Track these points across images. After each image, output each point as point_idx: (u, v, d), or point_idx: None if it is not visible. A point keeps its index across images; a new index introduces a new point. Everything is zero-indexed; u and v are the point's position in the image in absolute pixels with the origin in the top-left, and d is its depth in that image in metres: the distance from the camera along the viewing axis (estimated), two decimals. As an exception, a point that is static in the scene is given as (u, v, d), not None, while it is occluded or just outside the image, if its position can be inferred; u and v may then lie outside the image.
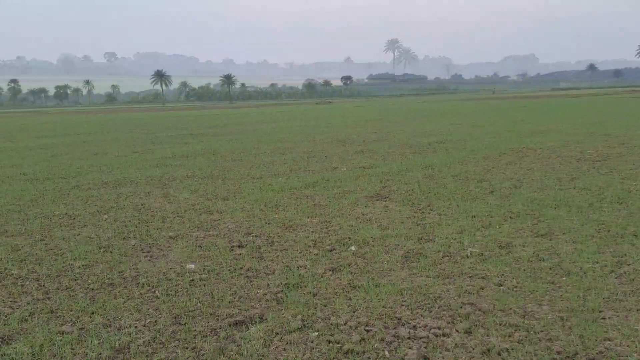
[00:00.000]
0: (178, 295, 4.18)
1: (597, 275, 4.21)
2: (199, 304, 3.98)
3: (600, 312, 3.54)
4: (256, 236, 5.83)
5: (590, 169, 9.43)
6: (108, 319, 3.76)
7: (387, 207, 7.03)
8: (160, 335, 3.49)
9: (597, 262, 4.50)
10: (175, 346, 3.34)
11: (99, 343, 3.39)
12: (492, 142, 14.56)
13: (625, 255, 4.64)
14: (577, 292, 3.88)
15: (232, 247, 5.45)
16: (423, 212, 6.63)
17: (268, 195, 8.11)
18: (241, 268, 4.75)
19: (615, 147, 12.38)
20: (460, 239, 5.37)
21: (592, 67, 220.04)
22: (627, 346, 3.05)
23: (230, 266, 4.83)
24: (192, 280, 4.52)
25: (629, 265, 4.39)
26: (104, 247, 5.55)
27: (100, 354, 3.25)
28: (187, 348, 3.31)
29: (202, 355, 3.22)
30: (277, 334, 3.45)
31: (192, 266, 4.86)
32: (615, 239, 5.15)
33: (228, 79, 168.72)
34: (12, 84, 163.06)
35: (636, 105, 34.40)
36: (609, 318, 3.43)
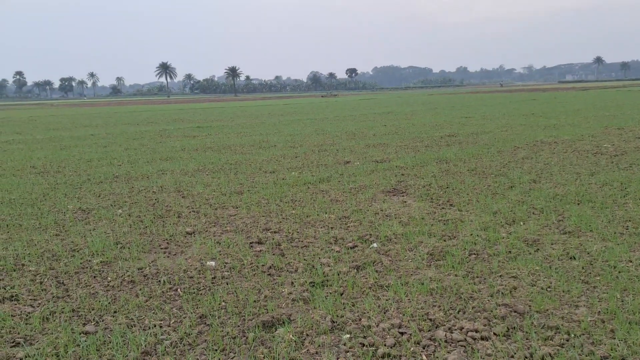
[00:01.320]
0: (201, 294, 4.08)
1: (632, 276, 4.07)
2: (223, 303, 3.87)
3: (642, 314, 3.41)
4: (275, 232, 5.72)
5: (609, 163, 9.26)
6: (131, 319, 3.66)
7: (405, 202, 6.90)
8: (187, 336, 3.39)
9: (631, 262, 4.37)
10: (203, 348, 3.23)
11: (124, 344, 3.29)
12: (505, 135, 14.37)
13: (660, 254, 4.50)
14: (614, 293, 3.75)
15: (251, 243, 5.34)
16: (443, 208, 6.50)
17: (283, 190, 7.99)
18: (263, 265, 4.64)
19: (632, 141, 12.18)
20: (486, 235, 5.24)
21: (598, 59, 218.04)
22: (678, 352, 2.92)
23: (252, 263, 4.72)
24: (214, 278, 4.41)
25: (665, 264, 4.25)
26: (121, 243, 5.45)
27: (126, 356, 3.15)
28: (216, 350, 3.20)
29: (232, 358, 3.11)
30: (307, 335, 3.34)
31: (213, 263, 4.76)
32: (646, 236, 5.01)
33: (233, 72, 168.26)
34: (18, 76, 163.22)
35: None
36: (654, 321, 3.30)
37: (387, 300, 3.81)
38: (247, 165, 10.73)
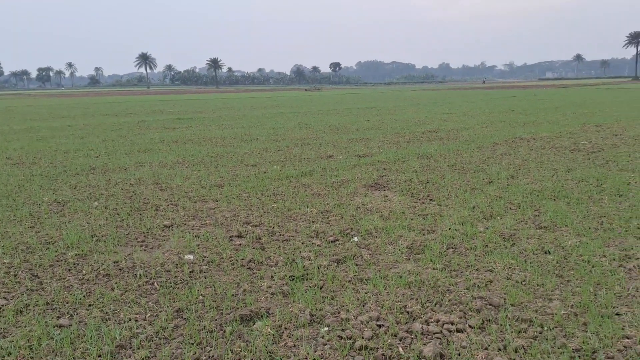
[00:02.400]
0: (178, 288, 4.05)
1: (605, 270, 4.15)
2: (201, 297, 3.84)
3: (614, 308, 3.48)
4: (255, 226, 5.70)
5: (586, 160, 9.43)
6: (106, 312, 3.61)
7: (386, 196, 6.93)
8: (163, 330, 3.36)
9: (605, 256, 4.45)
10: (180, 342, 3.21)
11: (98, 337, 3.25)
12: (485, 132, 14.52)
13: (632, 249, 4.60)
14: (588, 287, 3.82)
15: (231, 237, 5.31)
16: (423, 203, 6.55)
17: (264, 183, 7.96)
18: (242, 259, 4.62)
19: (609, 138, 12.41)
20: (464, 230, 5.30)
21: (579, 57, 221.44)
22: (647, 344, 2.99)
23: (231, 257, 4.69)
24: (192, 271, 4.38)
25: (637, 259, 4.34)
26: (97, 236, 5.37)
27: (101, 349, 3.11)
28: (192, 344, 3.18)
29: (209, 351, 3.09)
30: (285, 329, 3.33)
31: (191, 257, 4.72)
32: (620, 232, 5.11)
33: (215, 63, 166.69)
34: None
35: (625, 96, 34.66)
36: (624, 315, 3.37)
37: (366, 293, 3.83)
38: (228, 158, 10.66)
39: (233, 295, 3.88)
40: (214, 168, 9.46)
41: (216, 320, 3.50)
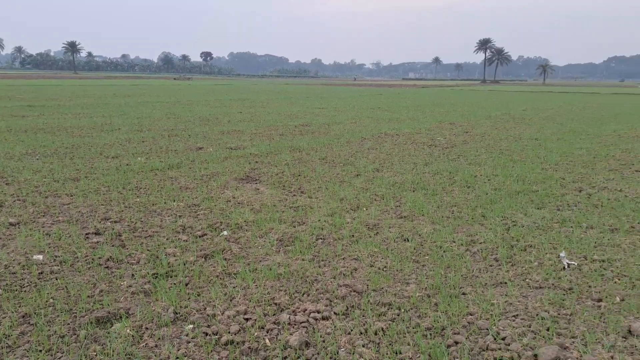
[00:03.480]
0: (25, 291, 3.63)
1: (454, 254, 4.57)
2: (51, 300, 3.49)
3: (460, 288, 3.84)
4: (115, 222, 5.33)
5: (441, 155, 10.29)
6: None
7: (258, 189, 6.91)
8: (6, 337, 2.99)
9: (454, 242, 4.90)
10: (25, 349, 2.88)
11: None
12: (354, 127, 15.17)
13: (477, 234, 5.12)
14: (439, 271, 4.17)
15: (87, 234, 4.90)
16: (294, 195, 6.64)
17: (126, 176, 7.48)
18: (100, 258, 4.29)
19: (460, 135, 13.69)
20: (332, 221, 5.47)
21: (437, 60, 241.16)
22: (487, 319, 3.33)
23: (87, 256, 4.33)
24: (42, 273, 3.96)
25: (480, 243, 4.84)
26: None
27: None
28: (40, 351, 2.87)
29: (60, 358, 2.82)
30: (146, 329, 3.16)
31: (40, 257, 4.27)
32: (467, 219, 5.66)
33: (72, 47, 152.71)
34: None
35: (474, 97, 38.49)
36: (468, 294, 3.73)
37: (234, 287, 3.78)
38: (85, 149, 9.84)
39: (88, 296, 3.58)
40: (69, 160, 8.66)
41: (69, 324, 3.20)
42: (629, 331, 3.18)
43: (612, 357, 2.88)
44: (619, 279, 4.03)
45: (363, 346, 2.99)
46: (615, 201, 6.48)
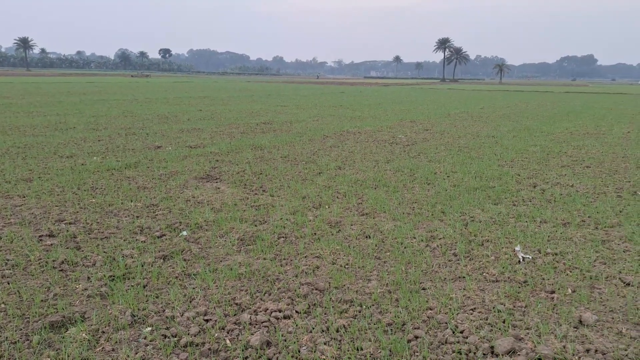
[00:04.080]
0: (-29, 299, 3.47)
1: (415, 250, 4.64)
2: (2, 306, 3.35)
3: (420, 283, 3.90)
4: (70, 223, 5.15)
5: (402, 152, 10.43)
6: None
7: (218, 188, 6.83)
8: (-53, 350, 2.85)
9: (415, 238, 4.97)
10: (-30, 362, 2.75)
11: None
12: (316, 125, 15.19)
13: (436, 230, 5.21)
14: (400, 267, 4.23)
15: (40, 237, 4.72)
16: (256, 194, 6.60)
17: (81, 176, 7.25)
18: (54, 261, 4.14)
19: (421, 132, 13.91)
20: (295, 219, 5.46)
21: (397, 58, 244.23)
22: (446, 313, 3.40)
23: (40, 259, 4.17)
24: (-10, 278, 3.79)
25: (440, 239, 4.93)
26: None
27: None
28: (-14, 362, 2.75)
29: (9, 368, 2.71)
30: (103, 333, 3.07)
31: (-11, 261, 4.08)
32: (427, 216, 5.76)
33: (24, 43, 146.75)
34: None
35: (434, 96, 39.18)
36: (428, 289, 3.80)
37: (194, 288, 3.72)
38: (38, 148, 9.48)
39: (42, 300, 3.45)
40: (21, 160, 8.33)
41: (21, 329, 3.08)
42: (580, 321, 3.31)
43: (564, 347, 2.99)
44: (570, 271, 4.18)
45: (325, 344, 3.00)
46: (567, 196, 6.72)
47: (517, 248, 4.62)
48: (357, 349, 2.97)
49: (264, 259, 4.34)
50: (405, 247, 4.70)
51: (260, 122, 15.50)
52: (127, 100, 23.63)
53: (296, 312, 3.39)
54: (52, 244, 4.53)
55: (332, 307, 3.47)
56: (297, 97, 31.50)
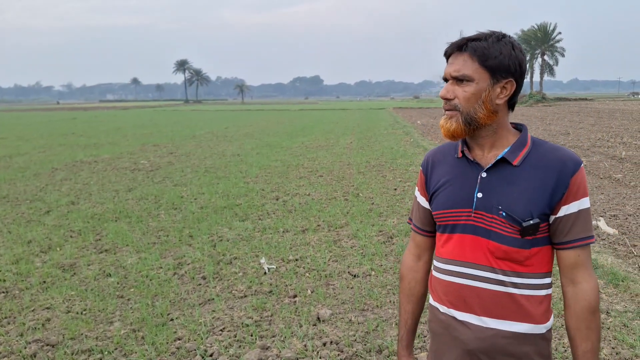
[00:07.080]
0: None
1: (162, 281, 4.45)
2: None
3: (168, 315, 3.75)
4: None
5: (145, 178, 9.99)
6: None
7: None
8: None
9: (161, 268, 4.77)
10: None
11: None
12: (43, 157, 13.44)
13: (184, 256, 5.10)
14: (146, 301, 3.99)
15: None
16: (-39, 246, 5.43)
17: None
18: None
19: (165, 156, 13.57)
20: (18, 269, 4.67)
21: (136, 80, 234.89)
22: (195, 340, 3.33)
23: None
24: None
25: (188, 264, 4.84)
26: None
27: None
28: None
29: None
30: None
31: None
32: (175, 242, 5.60)
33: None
34: None
35: (177, 117, 38.81)
36: (176, 318, 3.67)
37: None
38: None
39: None
40: None
41: None
42: (318, 318, 3.64)
43: (305, 346, 3.24)
44: (309, 274, 4.58)
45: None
46: (305, 204, 7.39)
47: (262, 260, 4.85)
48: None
49: (-25, 324, 3.59)
50: (151, 280, 4.47)
51: (-32, 158, 12.95)
52: None
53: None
54: None
55: (68, 362, 3.06)
56: (17, 127, 27.45)
